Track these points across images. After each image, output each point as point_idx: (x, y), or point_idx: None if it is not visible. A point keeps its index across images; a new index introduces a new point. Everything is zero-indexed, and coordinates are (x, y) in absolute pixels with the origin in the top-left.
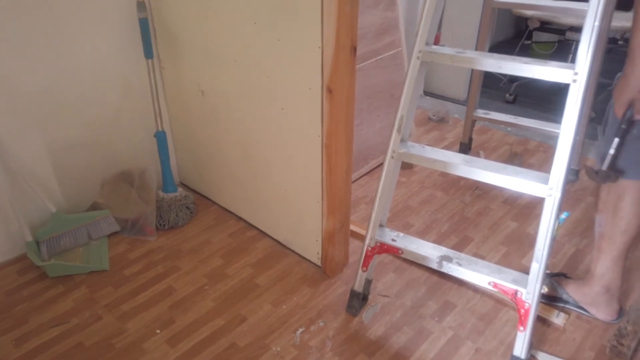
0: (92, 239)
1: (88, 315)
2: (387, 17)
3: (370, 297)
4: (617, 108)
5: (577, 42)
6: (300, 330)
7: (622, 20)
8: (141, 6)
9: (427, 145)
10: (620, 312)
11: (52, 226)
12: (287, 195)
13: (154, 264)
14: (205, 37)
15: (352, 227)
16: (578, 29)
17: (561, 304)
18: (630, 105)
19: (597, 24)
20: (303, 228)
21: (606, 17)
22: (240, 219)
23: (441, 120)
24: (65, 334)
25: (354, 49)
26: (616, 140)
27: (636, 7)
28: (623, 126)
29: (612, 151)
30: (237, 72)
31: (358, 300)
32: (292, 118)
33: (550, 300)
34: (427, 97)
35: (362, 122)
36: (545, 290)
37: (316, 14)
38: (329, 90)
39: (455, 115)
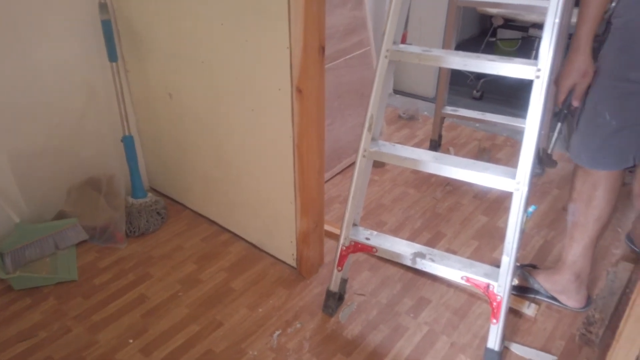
0: (59, 249)
1: (57, 328)
2: (354, 17)
3: (346, 296)
4: (560, 94)
5: (540, 38)
6: (277, 332)
7: None
8: (103, 7)
9: (398, 143)
10: (589, 300)
11: (16, 237)
12: (259, 197)
13: (125, 272)
14: (171, 39)
15: (327, 227)
16: (540, 26)
17: (532, 295)
18: (571, 91)
19: (557, 20)
20: (277, 230)
21: (566, 14)
22: (213, 222)
23: (411, 118)
24: (33, 348)
25: (322, 49)
26: (559, 125)
27: (582, 1)
28: (565, 111)
29: (555, 135)
30: (205, 73)
31: (334, 300)
32: (262, 119)
33: (521, 291)
34: (397, 96)
35: (333, 121)
36: (516, 282)
37: (283, 14)
38: (299, 91)
39: (425, 112)
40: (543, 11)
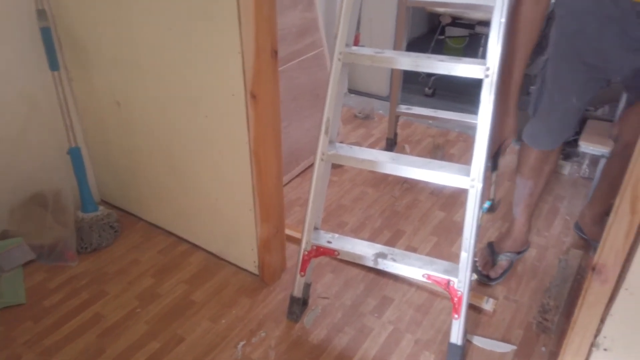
0: (4, 271)
1: (5, 357)
2: (306, 18)
3: (310, 300)
4: (492, 150)
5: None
6: (242, 343)
7: None
8: (42, 14)
9: (355, 142)
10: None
11: None
12: (217, 206)
13: (78, 291)
14: (116, 46)
15: (288, 232)
16: (486, 23)
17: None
18: (500, 145)
19: (503, 20)
20: (237, 237)
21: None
22: (170, 233)
23: (367, 117)
24: None
25: (275, 52)
26: (493, 173)
27: (513, 42)
28: (489, 164)
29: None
30: (154, 80)
31: (298, 305)
32: (216, 126)
33: (491, 268)
34: (352, 95)
35: (290, 123)
36: (496, 272)
37: (233, 18)
38: (253, 96)
39: (380, 111)
40: (488, 9)
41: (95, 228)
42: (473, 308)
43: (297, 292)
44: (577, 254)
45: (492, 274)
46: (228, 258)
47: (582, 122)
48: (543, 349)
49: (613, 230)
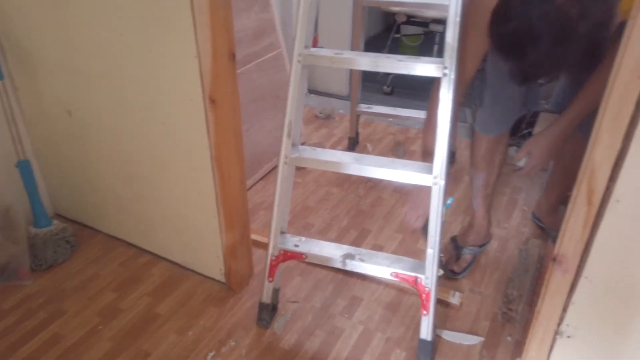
0: None
1: None
2: (262, 19)
3: (279, 305)
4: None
5: (440, 33)
6: (211, 354)
7: None
8: None
9: (317, 142)
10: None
11: None
12: (179, 214)
13: (34, 311)
14: (65, 52)
15: (254, 236)
16: (440, 21)
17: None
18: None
19: (458, 19)
20: (202, 246)
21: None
22: (131, 245)
23: (328, 117)
24: None
25: (232, 56)
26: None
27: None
28: None
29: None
30: (107, 88)
31: (267, 311)
32: (175, 133)
33: (455, 262)
34: (312, 95)
35: (251, 126)
36: (460, 267)
37: (188, 22)
38: (212, 100)
39: (341, 110)
40: (441, 8)
41: (50, 243)
42: (440, 302)
43: (266, 298)
44: (536, 243)
45: (457, 269)
46: (193, 267)
47: (536, 115)
48: (509, 338)
49: (571, 221)
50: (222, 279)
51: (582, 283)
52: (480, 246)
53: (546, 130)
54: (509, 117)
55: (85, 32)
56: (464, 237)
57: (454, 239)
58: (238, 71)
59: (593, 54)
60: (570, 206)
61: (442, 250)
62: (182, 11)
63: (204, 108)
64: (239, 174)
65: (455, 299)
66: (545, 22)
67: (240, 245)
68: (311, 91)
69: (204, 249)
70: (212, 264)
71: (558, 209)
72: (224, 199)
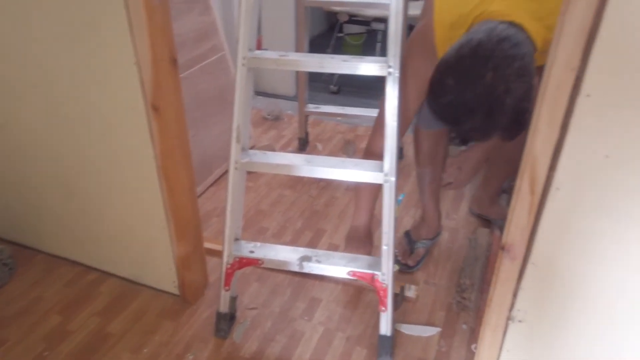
0: None
1: None
2: (204, 22)
3: (237, 313)
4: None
5: (382, 31)
6: None
7: (416, 9)
8: None
9: (267, 144)
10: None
11: None
12: (127, 228)
13: None
14: None
15: (207, 245)
16: (381, 19)
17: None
18: None
19: (400, 18)
20: (152, 258)
21: (404, 9)
22: (76, 263)
23: (276, 119)
24: None
25: (174, 61)
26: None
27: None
28: None
29: None
30: (40, 99)
31: (226, 321)
32: (117, 144)
33: (409, 257)
34: (259, 97)
35: (197, 132)
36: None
37: (123, 28)
38: (155, 108)
39: (289, 111)
40: (382, 7)
41: None
42: (397, 295)
43: (223, 308)
44: (484, 232)
45: (411, 262)
46: (144, 281)
47: None
48: (464, 326)
49: (516, 211)
50: (175, 291)
51: (530, 269)
52: (432, 239)
53: (476, 148)
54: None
55: (13, 40)
56: (417, 231)
57: (407, 234)
58: (181, 76)
59: (519, 121)
60: (514, 196)
61: (396, 245)
62: (117, 17)
63: (147, 116)
64: (188, 182)
65: (411, 292)
66: (476, 98)
67: (194, 255)
68: (258, 93)
69: (155, 261)
70: (165, 277)
71: (499, 198)
72: (173, 209)
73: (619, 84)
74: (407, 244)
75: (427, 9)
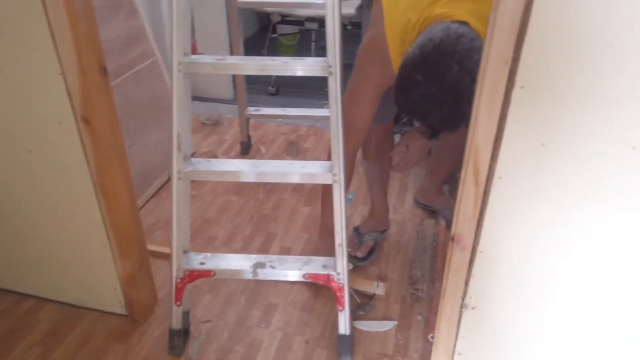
0: None
1: None
2: (132, 27)
3: (191, 328)
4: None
5: (316, 30)
6: None
7: (349, 8)
8: None
9: (208, 150)
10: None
11: None
12: (65, 249)
13: None
14: None
15: (153, 248)
16: (314, 19)
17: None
18: None
19: (337, 18)
20: (95, 279)
21: (339, 8)
22: (9, 292)
23: (216, 123)
24: None
25: (103, 70)
26: None
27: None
28: None
29: None
30: None
31: (179, 337)
32: (45, 161)
33: (370, 252)
34: (196, 102)
35: (133, 142)
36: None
37: (45, 36)
38: (86, 121)
39: (229, 115)
40: (314, 6)
41: None
42: (365, 296)
43: (176, 324)
44: (430, 223)
45: (360, 254)
46: (88, 304)
47: None
48: (419, 317)
49: (463, 201)
50: (123, 311)
51: (479, 257)
52: (381, 232)
53: (421, 139)
54: (392, 106)
55: None
56: (365, 226)
57: (356, 229)
58: (112, 84)
59: None
60: (460, 187)
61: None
62: (37, 27)
63: (78, 130)
64: (128, 197)
65: (379, 289)
66: (445, 90)
67: (140, 272)
68: (194, 98)
69: (98, 282)
70: (110, 297)
71: (443, 188)
72: (113, 226)
73: (550, 75)
74: (356, 237)
75: (376, 17)
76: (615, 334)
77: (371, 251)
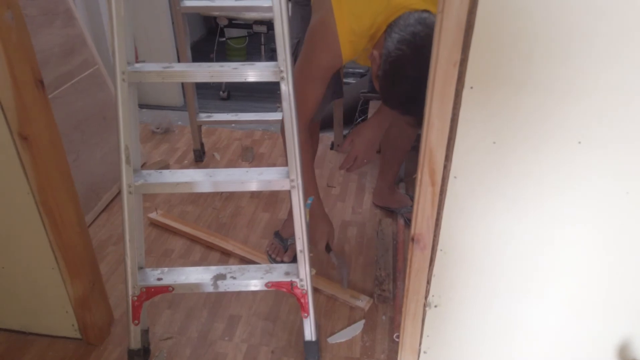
0: None
1: None
2: (69, 35)
3: (151, 346)
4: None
5: (264, 33)
6: None
7: None
8: None
9: (161, 159)
10: None
11: None
12: (9, 274)
13: None
14: None
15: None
16: (262, 22)
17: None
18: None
19: (285, 21)
20: (44, 304)
21: (287, 11)
22: None
23: (166, 131)
24: None
25: (40, 83)
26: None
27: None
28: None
29: None
30: None
31: (139, 357)
32: None
33: (284, 254)
34: (144, 110)
35: (78, 156)
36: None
37: None
38: (24, 137)
39: (179, 122)
40: (261, 9)
41: None
42: (349, 308)
43: (135, 344)
44: (388, 222)
45: (286, 259)
46: (37, 330)
47: (366, 103)
48: (383, 317)
49: (420, 202)
50: (76, 335)
51: (439, 255)
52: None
53: (368, 121)
54: (323, 105)
55: None
56: (286, 230)
57: (276, 233)
58: (51, 96)
59: None
60: (417, 188)
61: (268, 246)
62: None
63: (15, 148)
64: (75, 215)
65: (362, 302)
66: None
67: (93, 293)
68: (141, 105)
69: (47, 307)
70: (61, 321)
71: (397, 187)
72: (61, 247)
73: (498, 75)
74: (279, 242)
75: (321, 3)
76: (578, 326)
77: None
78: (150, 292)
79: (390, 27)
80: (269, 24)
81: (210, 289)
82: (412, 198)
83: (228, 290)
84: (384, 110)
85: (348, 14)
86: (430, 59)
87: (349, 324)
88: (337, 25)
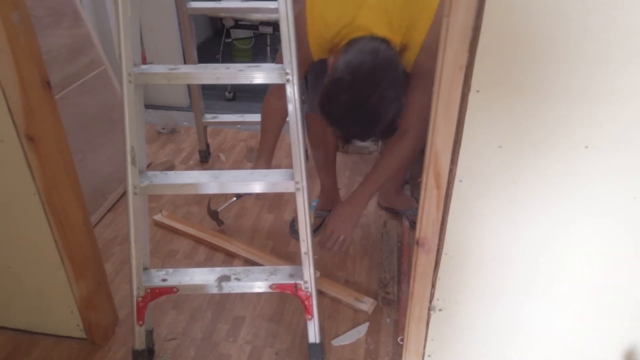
0: None
1: None
2: (76, 36)
3: (156, 347)
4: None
5: (270, 34)
6: None
7: None
8: None
9: (166, 160)
10: None
11: None
12: (12, 274)
13: None
14: None
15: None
16: (268, 23)
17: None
18: None
19: (292, 23)
20: (50, 303)
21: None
22: None
23: (172, 132)
24: None
25: (47, 84)
26: None
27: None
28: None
29: None
30: None
31: (143, 358)
32: None
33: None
34: (150, 110)
35: (84, 156)
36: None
37: None
38: (30, 138)
39: (185, 123)
40: (266, 10)
41: None
42: (353, 310)
43: (139, 344)
44: (393, 224)
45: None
46: (43, 330)
47: None
48: (388, 320)
49: (426, 205)
50: (81, 334)
51: (444, 259)
52: (329, 211)
53: (346, 205)
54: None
55: None
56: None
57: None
58: (58, 96)
59: (391, 127)
60: (422, 191)
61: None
62: None
63: (22, 148)
64: (81, 215)
65: (366, 305)
66: (364, 112)
67: (98, 292)
68: (148, 106)
69: (53, 306)
70: (67, 321)
71: (403, 189)
72: (67, 246)
73: (504, 78)
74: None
75: None
76: (583, 329)
77: (318, 228)
78: (155, 293)
79: (349, 43)
80: (275, 25)
81: (215, 291)
82: (417, 200)
83: (232, 291)
84: (360, 191)
85: (319, 18)
86: (369, 90)
87: (353, 327)
88: (307, 26)
